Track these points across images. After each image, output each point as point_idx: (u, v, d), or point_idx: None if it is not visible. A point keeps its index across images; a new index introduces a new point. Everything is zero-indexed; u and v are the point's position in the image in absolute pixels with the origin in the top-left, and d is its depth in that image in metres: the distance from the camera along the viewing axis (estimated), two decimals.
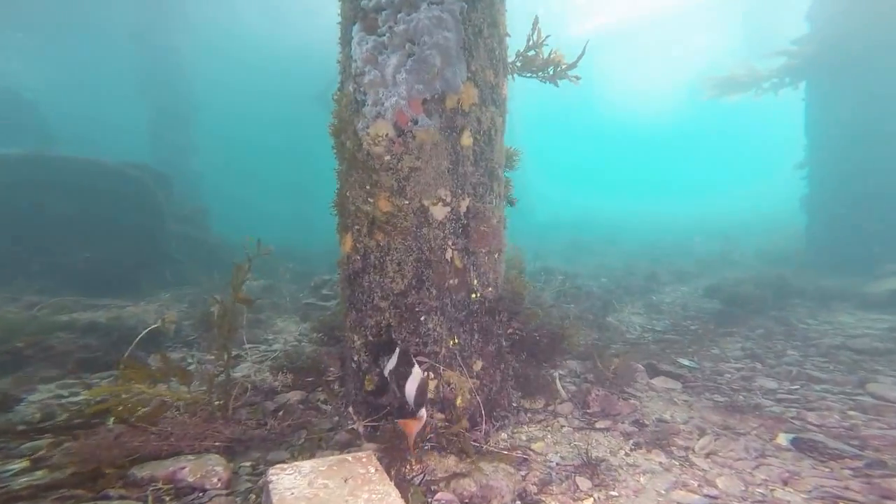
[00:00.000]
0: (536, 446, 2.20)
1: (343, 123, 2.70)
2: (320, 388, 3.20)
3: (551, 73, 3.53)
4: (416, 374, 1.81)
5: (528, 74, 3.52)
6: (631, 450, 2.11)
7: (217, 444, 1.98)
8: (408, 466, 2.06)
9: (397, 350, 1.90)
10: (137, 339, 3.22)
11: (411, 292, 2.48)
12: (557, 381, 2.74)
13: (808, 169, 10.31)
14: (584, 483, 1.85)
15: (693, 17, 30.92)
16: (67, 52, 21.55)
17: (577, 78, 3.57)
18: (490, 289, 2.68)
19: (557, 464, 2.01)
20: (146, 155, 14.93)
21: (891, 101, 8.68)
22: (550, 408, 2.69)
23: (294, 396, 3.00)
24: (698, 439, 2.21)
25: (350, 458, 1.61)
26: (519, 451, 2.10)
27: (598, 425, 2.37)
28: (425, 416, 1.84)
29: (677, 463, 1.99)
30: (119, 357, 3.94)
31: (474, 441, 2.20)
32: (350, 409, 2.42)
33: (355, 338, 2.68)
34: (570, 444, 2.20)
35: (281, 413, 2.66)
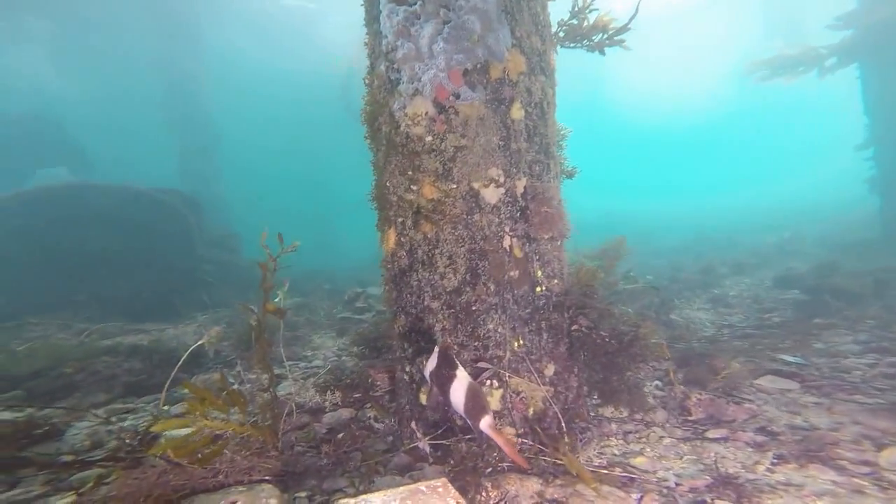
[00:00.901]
0: (637, 462, 1.84)
1: (377, 107, 2.52)
2: (369, 405, 2.98)
3: (597, 40, 3.25)
4: (462, 377, 1.53)
5: (573, 45, 3.24)
6: (774, 464, 1.71)
7: (268, 476, 1.77)
8: (483, 493, 1.77)
9: (436, 350, 1.62)
10: (180, 361, 3.12)
11: (466, 289, 2.21)
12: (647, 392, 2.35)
13: (874, 149, 9.48)
14: None
15: (709, 10, 29.71)
16: (91, 82, 23.28)
17: (623, 41, 3.27)
18: (556, 281, 2.37)
19: (678, 484, 1.64)
20: (174, 184, 15.71)
21: None
22: (638, 416, 2.31)
23: (343, 415, 2.79)
24: (877, 451, 1.75)
25: (425, 489, 1.34)
26: (619, 469, 1.76)
27: (710, 435, 1.99)
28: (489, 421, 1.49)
29: (867, 483, 1.56)
30: (163, 379, 3.93)
31: (555, 459, 1.87)
32: (413, 424, 2.15)
33: (406, 345, 2.44)
34: (680, 459, 1.83)
35: (332, 435, 2.44)
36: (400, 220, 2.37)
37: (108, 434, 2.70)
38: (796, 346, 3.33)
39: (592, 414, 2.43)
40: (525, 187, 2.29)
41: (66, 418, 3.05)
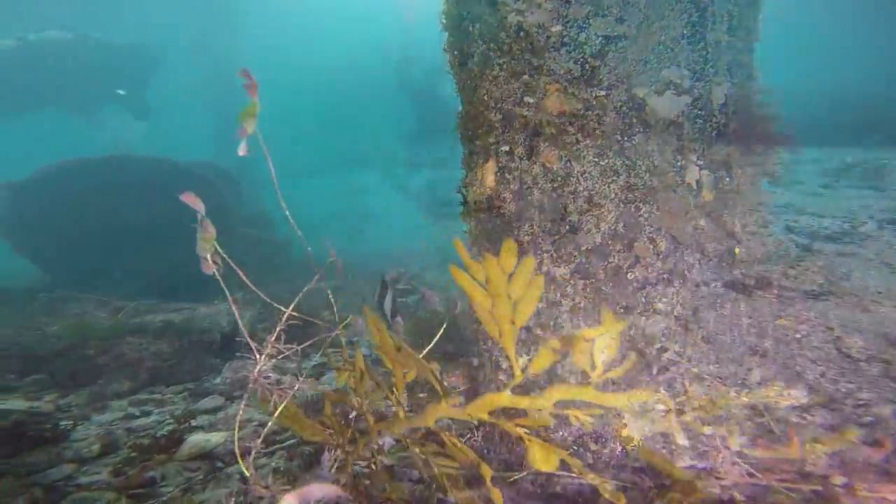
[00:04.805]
0: None
1: None
2: None
3: None
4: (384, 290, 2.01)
5: None
6: None
7: None
8: None
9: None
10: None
11: (616, 247, 1.49)
12: None
13: None
14: None
15: None
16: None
17: None
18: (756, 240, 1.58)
19: None
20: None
21: None
22: None
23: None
24: None
25: None
26: None
27: None
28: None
29: None
30: (192, 367, 3.60)
31: None
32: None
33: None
34: None
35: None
36: (505, 147, 1.67)
37: (127, 434, 2.27)
38: None
39: None
40: (726, 96, 1.49)
41: (86, 410, 2.70)
